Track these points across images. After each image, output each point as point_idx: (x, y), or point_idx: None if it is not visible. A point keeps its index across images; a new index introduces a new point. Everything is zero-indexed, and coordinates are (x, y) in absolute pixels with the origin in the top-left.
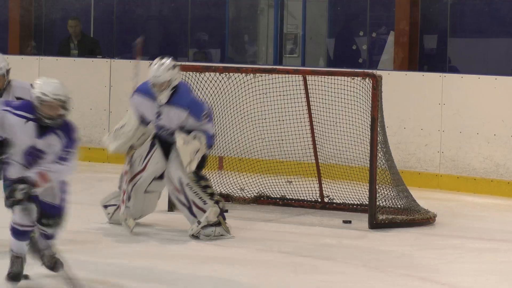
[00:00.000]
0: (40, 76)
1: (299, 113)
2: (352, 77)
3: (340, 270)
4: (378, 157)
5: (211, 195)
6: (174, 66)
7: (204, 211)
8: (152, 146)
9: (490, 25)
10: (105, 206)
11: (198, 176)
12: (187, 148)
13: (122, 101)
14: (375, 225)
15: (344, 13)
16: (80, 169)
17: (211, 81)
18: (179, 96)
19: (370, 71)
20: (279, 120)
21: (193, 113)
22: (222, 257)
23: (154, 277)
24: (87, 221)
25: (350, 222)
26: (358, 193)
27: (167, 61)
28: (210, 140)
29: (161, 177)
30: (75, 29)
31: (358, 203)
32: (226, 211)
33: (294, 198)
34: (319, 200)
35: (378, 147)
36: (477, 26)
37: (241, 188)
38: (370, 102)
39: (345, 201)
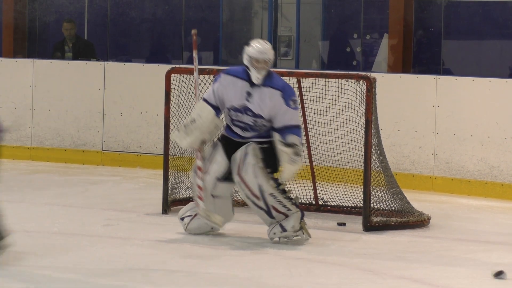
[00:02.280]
0: (34, 79)
1: None
2: (346, 80)
3: (334, 273)
4: (372, 160)
5: (292, 198)
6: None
7: (285, 215)
8: (214, 146)
9: (484, 27)
10: (182, 219)
11: (276, 181)
12: (292, 168)
13: (116, 104)
14: (369, 227)
15: (338, 15)
16: (74, 171)
17: (205, 84)
18: (272, 78)
19: (364, 73)
20: None
21: (285, 95)
22: (216, 259)
23: (149, 279)
24: (81, 224)
25: (344, 224)
26: (353, 196)
27: (268, 43)
28: (299, 133)
29: (226, 179)
30: (70, 32)
31: (353, 205)
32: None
33: None
34: (314, 202)
35: (372, 150)
36: (471, 28)
37: (236, 190)
38: (364, 104)
39: (340, 203)
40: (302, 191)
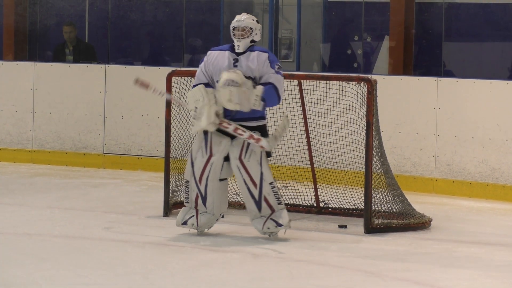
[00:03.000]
0: (35, 82)
1: (294, 118)
2: (347, 82)
3: (336, 275)
4: (373, 162)
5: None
6: (257, 22)
7: (273, 210)
8: (205, 133)
9: (484, 29)
10: (185, 223)
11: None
12: (228, 75)
13: (117, 107)
14: (370, 229)
15: (338, 17)
16: (75, 174)
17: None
18: (257, 47)
19: (365, 75)
20: (274, 125)
21: (271, 59)
22: (217, 262)
23: (149, 283)
24: (82, 226)
25: (345, 226)
26: (354, 198)
27: (252, 15)
28: (269, 94)
29: (226, 158)
30: (69, 35)
31: (354, 207)
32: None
33: (289, 203)
34: (315, 205)
35: (373, 152)
36: (472, 30)
37: (236, 193)
38: (365, 106)
39: (341, 205)
40: (303, 193)
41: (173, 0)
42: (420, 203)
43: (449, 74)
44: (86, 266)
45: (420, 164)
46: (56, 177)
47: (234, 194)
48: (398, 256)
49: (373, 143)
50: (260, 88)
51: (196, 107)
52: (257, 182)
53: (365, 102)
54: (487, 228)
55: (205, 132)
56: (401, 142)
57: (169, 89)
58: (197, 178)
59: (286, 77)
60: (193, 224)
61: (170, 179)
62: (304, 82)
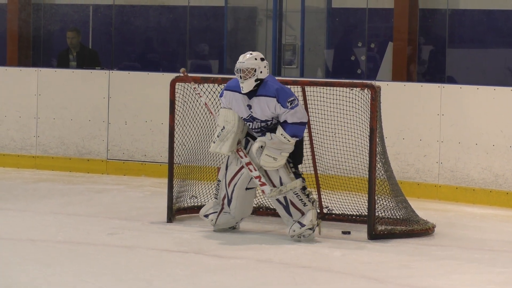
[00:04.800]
0: (39, 87)
1: None
2: (351, 88)
3: (339, 281)
4: (377, 168)
5: (308, 195)
6: (262, 59)
7: (302, 212)
8: (246, 142)
9: (488, 35)
10: (206, 216)
11: (297, 175)
12: (273, 164)
13: (121, 112)
14: (374, 236)
15: (342, 24)
16: (79, 180)
17: (209, 92)
18: (265, 86)
19: (368, 82)
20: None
21: (280, 100)
22: (221, 268)
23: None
24: (86, 232)
25: (349, 233)
26: (357, 204)
27: (256, 52)
28: (294, 129)
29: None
30: (72, 41)
31: (357, 214)
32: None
33: None
34: (318, 211)
35: (377, 158)
36: (476, 36)
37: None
38: (369, 112)
39: (344, 212)
40: None
41: (177, 6)
42: (424, 209)
43: (452, 80)
44: (90, 272)
45: (424, 171)
46: (60, 183)
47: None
48: (402, 262)
49: (377, 149)
50: (281, 131)
51: (224, 127)
52: (280, 188)
53: (369, 109)
54: (490, 234)
55: (246, 141)
56: (404, 149)
57: (173, 95)
58: (227, 181)
59: (289, 83)
60: (212, 220)
61: (174, 185)
62: (307, 88)
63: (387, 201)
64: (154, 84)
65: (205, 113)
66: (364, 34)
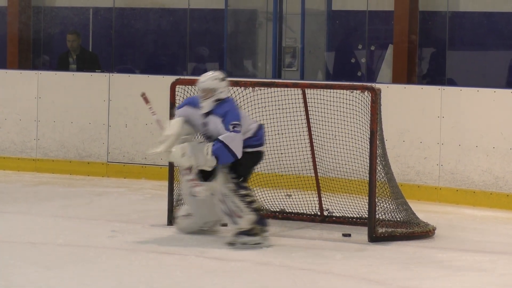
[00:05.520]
0: (39, 90)
1: (298, 127)
2: (351, 90)
3: (340, 283)
4: (377, 170)
5: (250, 203)
6: (222, 79)
7: (239, 216)
8: None
9: (488, 38)
10: (175, 218)
11: (239, 186)
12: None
13: (121, 115)
14: (374, 238)
15: (342, 26)
16: (79, 183)
17: None
18: (220, 105)
19: (369, 84)
20: (278, 134)
21: (225, 121)
22: (222, 270)
23: None
24: (86, 235)
25: (349, 235)
26: (358, 206)
27: (216, 72)
28: (219, 151)
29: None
30: (73, 44)
31: (358, 216)
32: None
33: (293, 211)
34: (319, 213)
35: (377, 160)
36: (476, 39)
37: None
38: (369, 115)
39: (345, 214)
40: (308, 202)
41: (177, 9)
42: (424, 211)
43: (453, 83)
44: (90, 275)
45: (424, 173)
46: (60, 185)
47: None
48: (402, 264)
49: (377, 151)
50: (210, 144)
51: (165, 133)
52: (221, 198)
53: (369, 111)
54: (490, 236)
55: None
56: (405, 151)
57: (173, 97)
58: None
59: (290, 85)
60: (177, 223)
61: (174, 188)
62: (308, 91)
63: (387, 204)
64: (155, 87)
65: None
66: (364, 36)
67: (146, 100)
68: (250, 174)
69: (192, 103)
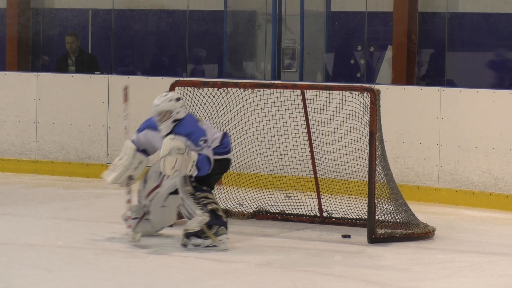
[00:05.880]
0: (38, 92)
1: (297, 128)
2: (350, 92)
3: (340, 285)
4: (376, 172)
5: (205, 205)
6: (177, 99)
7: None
8: None
9: (487, 38)
10: (126, 220)
11: (196, 188)
12: (170, 142)
13: (120, 117)
14: (374, 239)
15: (342, 27)
16: (79, 185)
17: (209, 97)
18: (180, 125)
19: (368, 85)
20: (277, 135)
21: (192, 139)
22: (221, 272)
23: None
24: (86, 237)
25: (349, 236)
26: (357, 208)
27: (170, 93)
28: (202, 164)
29: (176, 192)
30: (72, 45)
31: (357, 217)
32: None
33: (293, 213)
34: (318, 214)
35: (376, 162)
36: (475, 40)
37: (240, 203)
38: (369, 116)
39: (344, 215)
40: (307, 203)
41: (176, 10)
42: (424, 212)
43: (452, 84)
44: (90, 277)
45: (424, 174)
46: (60, 187)
47: (237, 204)
48: (402, 265)
49: (377, 153)
50: (195, 155)
51: (120, 158)
52: (181, 201)
53: (368, 112)
54: (490, 237)
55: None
56: (404, 152)
57: None
58: (146, 193)
59: (289, 87)
60: (130, 226)
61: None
62: (307, 92)
63: (387, 205)
64: (154, 88)
65: (205, 118)
66: (364, 37)
67: (126, 98)
68: (216, 181)
69: (152, 125)
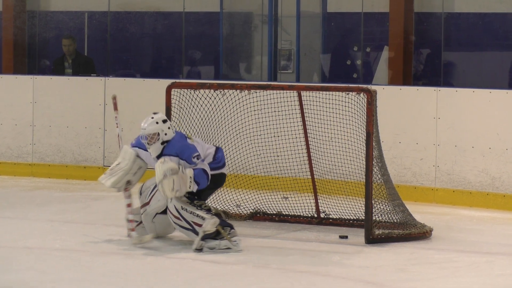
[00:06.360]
0: (34, 95)
1: (294, 129)
2: (347, 92)
3: (337, 285)
4: (373, 172)
5: (208, 210)
6: (164, 121)
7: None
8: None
9: (484, 38)
10: (129, 222)
11: (191, 198)
12: (162, 166)
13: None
14: (371, 240)
15: (338, 28)
16: (76, 187)
17: (205, 98)
18: (169, 146)
19: (364, 86)
20: (274, 136)
21: (184, 158)
22: (219, 274)
23: None
24: (83, 239)
25: (346, 237)
26: (354, 208)
27: (157, 115)
28: (200, 178)
29: (164, 212)
30: (69, 48)
31: (355, 218)
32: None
33: (290, 214)
34: (315, 215)
35: (373, 162)
36: (471, 39)
37: (237, 204)
38: (365, 117)
39: (342, 216)
40: (304, 204)
41: (172, 12)
42: (421, 213)
43: (448, 84)
44: (87, 280)
45: (421, 174)
46: (57, 190)
47: (234, 206)
48: (399, 266)
49: (373, 153)
50: (191, 170)
51: (118, 163)
52: (177, 214)
53: (365, 113)
54: (487, 237)
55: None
56: (401, 152)
57: (169, 101)
58: (140, 204)
59: (286, 88)
60: (133, 228)
61: None
62: (303, 93)
63: (384, 205)
64: (150, 90)
65: (201, 120)
66: (360, 38)
67: (115, 107)
68: (208, 196)
69: (142, 145)
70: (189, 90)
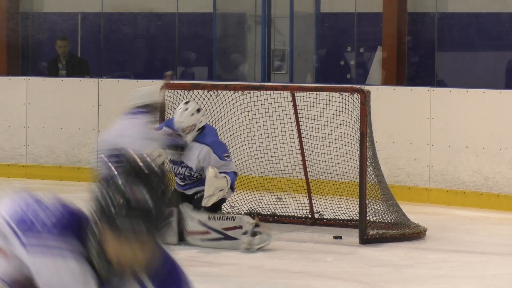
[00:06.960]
0: (28, 96)
1: (288, 130)
2: (341, 93)
3: (332, 286)
4: (367, 172)
5: (228, 213)
6: (198, 110)
7: (239, 227)
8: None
9: (477, 38)
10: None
11: (209, 211)
12: (215, 182)
13: (110, 120)
14: (365, 240)
15: (331, 29)
16: (70, 189)
17: (199, 99)
18: (203, 135)
19: (358, 86)
20: (268, 137)
21: (216, 151)
22: (213, 275)
23: None
24: None
25: (340, 237)
26: (348, 209)
27: (191, 106)
28: (233, 182)
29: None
30: (63, 49)
31: (349, 218)
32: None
33: (284, 214)
34: (310, 216)
35: (367, 162)
36: (465, 39)
37: (231, 205)
38: (359, 117)
39: (336, 216)
40: (298, 205)
41: (166, 13)
42: (415, 213)
43: (442, 84)
44: None
45: (414, 174)
46: (51, 191)
47: (228, 206)
48: (394, 266)
49: (367, 153)
50: (229, 179)
51: None
52: (204, 229)
53: (359, 113)
54: (481, 237)
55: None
56: (395, 153)
57: (163, 102)
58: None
59: (279, 88)
60: None
61: None
62: (297, 94)
63: (378, 205)
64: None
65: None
66: (353, 38)
67: (167, 82)
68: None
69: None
70: (182, 91)
